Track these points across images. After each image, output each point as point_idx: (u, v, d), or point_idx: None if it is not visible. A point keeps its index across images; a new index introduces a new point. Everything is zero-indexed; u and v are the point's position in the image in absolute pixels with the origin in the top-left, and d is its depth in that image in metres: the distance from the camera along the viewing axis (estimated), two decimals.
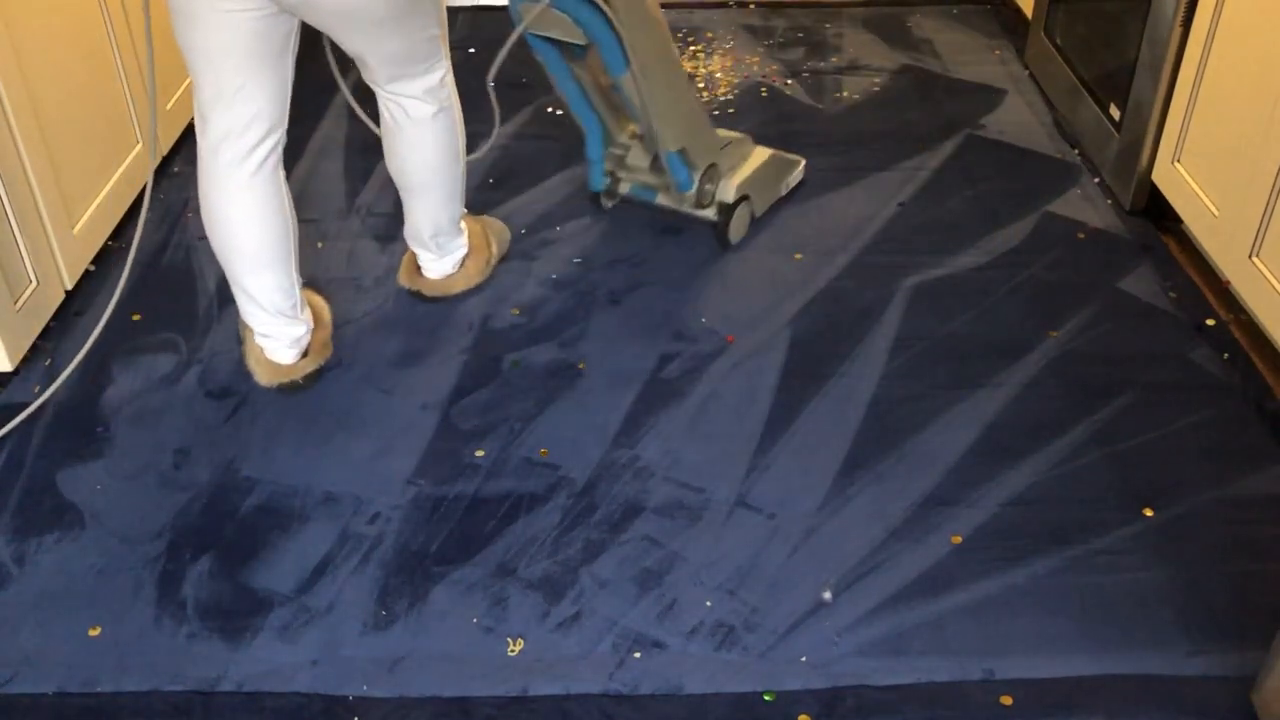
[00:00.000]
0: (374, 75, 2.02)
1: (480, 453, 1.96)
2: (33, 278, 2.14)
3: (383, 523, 1.84)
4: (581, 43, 2.18)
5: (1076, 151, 2.80)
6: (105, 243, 2.45)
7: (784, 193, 2.63)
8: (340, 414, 2.05)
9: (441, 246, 2.28)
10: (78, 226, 2.29)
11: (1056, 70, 2.94)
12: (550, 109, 3.04)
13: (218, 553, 1.79)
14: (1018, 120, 2.95)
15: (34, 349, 2.17)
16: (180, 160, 2.79)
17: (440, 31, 2.05)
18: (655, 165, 2.43)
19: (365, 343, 2.22)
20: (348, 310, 2.31)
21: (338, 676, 1.61)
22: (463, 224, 2.31)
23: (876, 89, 3.12)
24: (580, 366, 2.15)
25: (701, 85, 3.15)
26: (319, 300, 2.24)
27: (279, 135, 1.96)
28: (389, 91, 2.05)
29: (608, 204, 2.59)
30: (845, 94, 3.09)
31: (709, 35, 3.43)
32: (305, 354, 2.11)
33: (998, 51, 3.32)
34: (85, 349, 2.09)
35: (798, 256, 2.45)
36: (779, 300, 2.32)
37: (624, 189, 2.53)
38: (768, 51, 3.33)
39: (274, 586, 1.74)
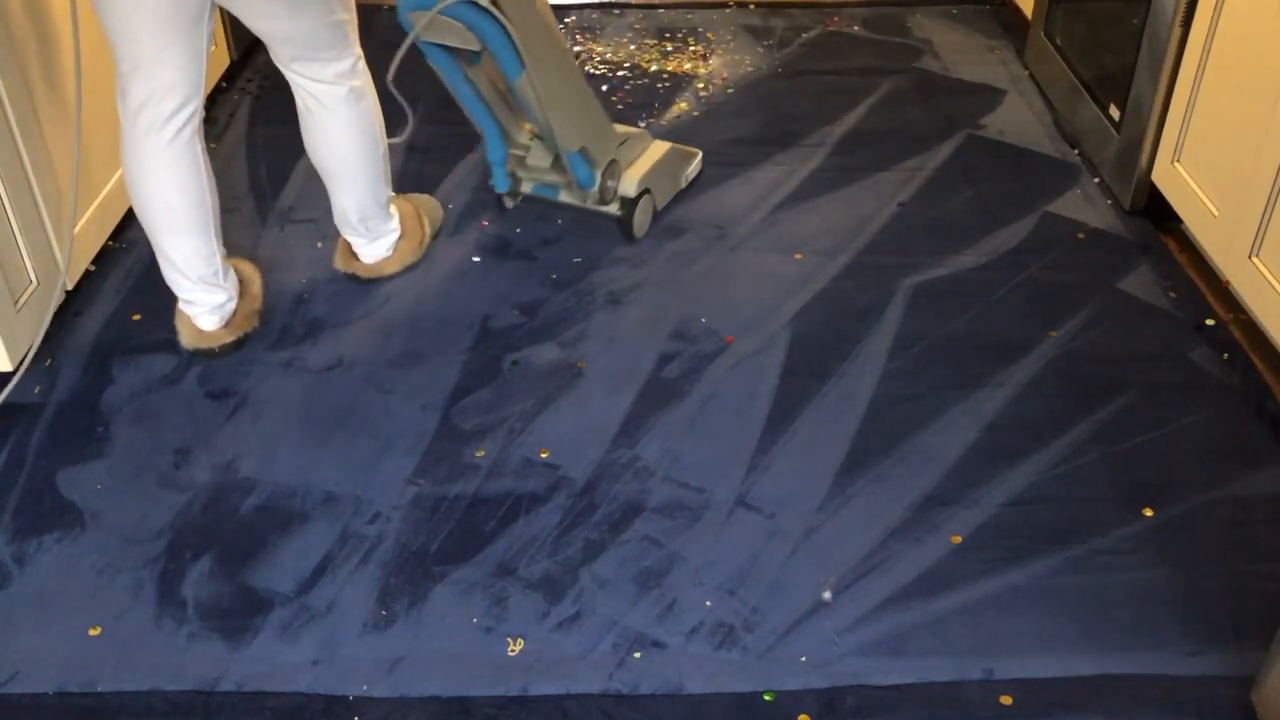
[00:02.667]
0: (278, 56, 2.06)
1: (480, 453, 1.96)
2: (33, 278, 2.14)
3: (383, 523, 1.84)
4: (476, 49, 2.16)
5: (1076, 152, 2.80)
6: (105, 243, 2.45)
7: (684, 185, 2.65)
8: (340, 414, 2.05)
9: (371, 230, 2.32)
10: (78, 226, 2.29)
11: (1056, 70, 2.94)
12: None
13: (218, 553, 1.79)
14: (1018, 120, 2.95)
15: (34, 349, 2.17)
16: None
17: (348, 18, 2.08)
18: (556, 163, 2.43)
19: (365, 343, 2.22)
20: (347, 310, 2.31)
21: (338, 676, 1.61)
22: (393, 207, 2.35)
23: (877, 89, 3.12)
24: (580, 366, 2.15)
25: (701, 85, 3.15)
26: (249, 271, 2.29)
27: (195, 106, 2.01)
28: (296, 74, 2.09)
29: (510, 204, 2.59)
30: (845, 95, 3.09)
31: (709, 35, 3.43)
32: (228, 324, 2.18)
33: (998, 51, 3.32)
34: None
35: (798, 256, 2.45)
36: (779, 300, 2.32)
37: (526, 188, 2.53)
38: (767, 51, 3.33)
39: (274, 586, 1.74)
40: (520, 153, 2.48)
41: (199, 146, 2.04)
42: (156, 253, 2.11)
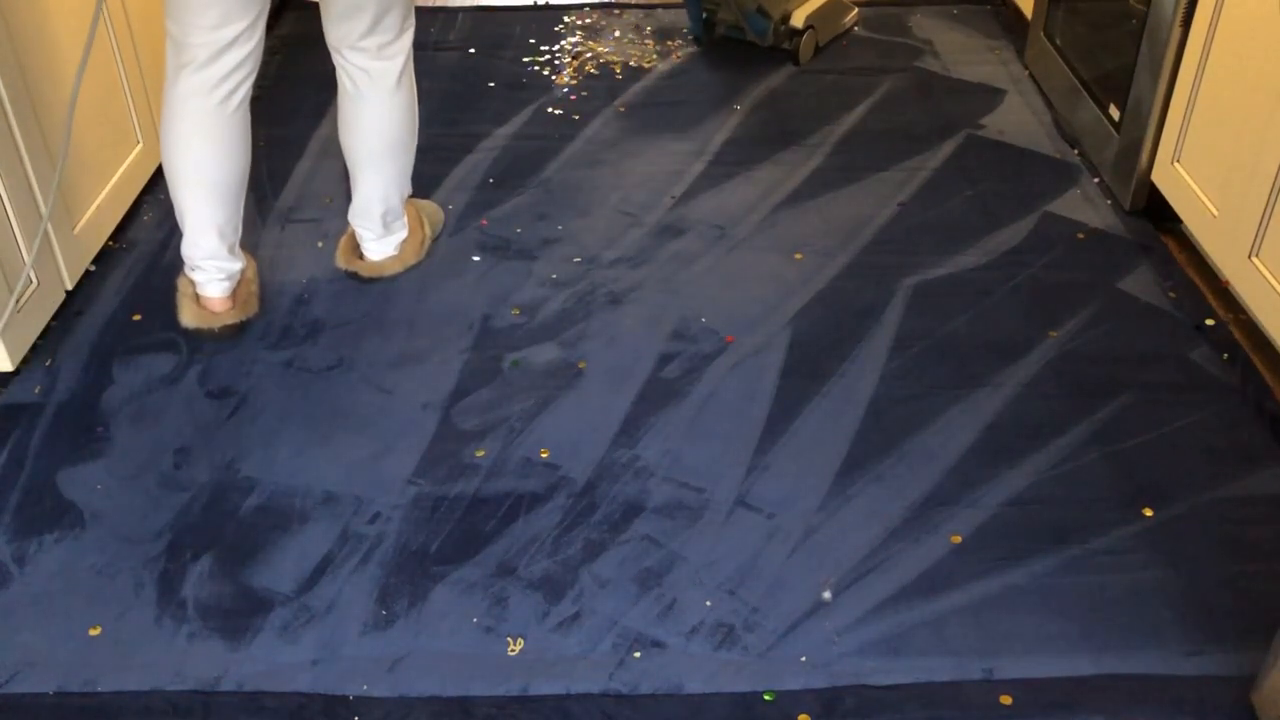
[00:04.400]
0: (355, 26, 2.08)
1: (480, 453, 1.97)
2: (33, 278, 2.14)
3: (383, 523, 1.84)
4: None
5: (1076, 151, 2.80)
6: (105, 243, 2.45)
7: (842, 30, 3.36)
8: (340, 414, 2.05)
9: (389, 226, 2.34)
10: (78, 226, 2.29)
11: (1056, 70, 2.94)
12: (550, 109, 3.04)
13: (218, 553, 1.79)
14: (1018, 120, 2.95)
15: (34, 349, 2.17)
16: None
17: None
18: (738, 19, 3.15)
19: (365, 343, 2.22)
20: (347, 310, 2.31)
21: (338, 676, 1.61)
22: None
23: (877, 89, 3.12)
24: (580, 366, 2.15)
25: (701, 86, 3.15)
26: (246, 256, 2.28)
27: (256, 71, 2.06)
28: (361, 50, 2.11)
29: (705, 41, 3.32)
30: (845, 94, 3.09)
31: None
32: (233, 300, 2.19)
33: (998, 51, 3.32)
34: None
35: (798, 256, 2.45)
36: (779, 300, 2.32)
37: (720, 30, 3.27)
38: (768, 52, 3.33)
39: (274, 586, 1.74)
40: (713, 7, 3.22)
41: (248, 110, 2.09)
42: (193, 218, 2.11)
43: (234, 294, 2.20)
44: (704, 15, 3.26)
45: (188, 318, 2.18)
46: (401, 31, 2.14)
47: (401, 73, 2.17)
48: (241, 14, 1.95)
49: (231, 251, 2.16)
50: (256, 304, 2.26)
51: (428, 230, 2.46)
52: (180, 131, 2.04)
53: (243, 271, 2.22)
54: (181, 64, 1.99)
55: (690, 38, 3.35)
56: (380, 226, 2.33)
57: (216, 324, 2.18)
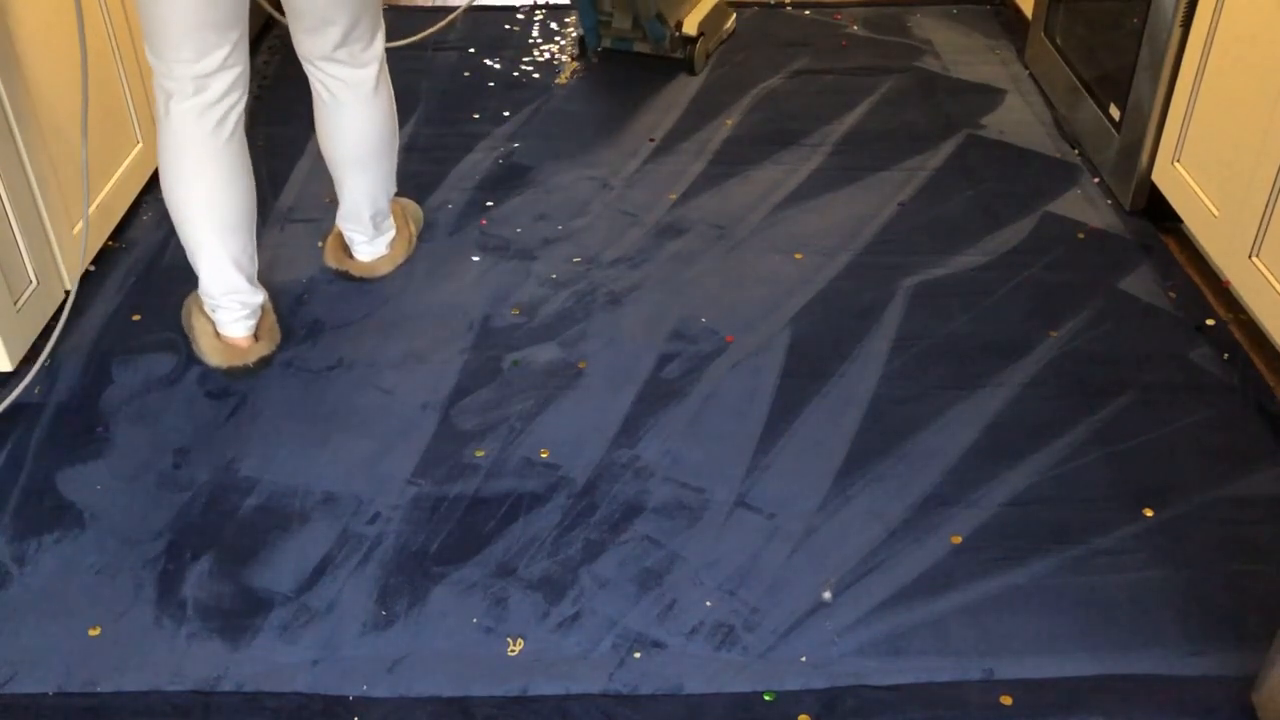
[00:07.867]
0: (328, 38, 2.05)
1: (480, 453, 1.96)
2: (33, 278, 2.14)
3: (383, 523, 1.84)
4: None
5: (1076, 151, 2.80)
6: (105, 243, 2.45)
7: (725, 37, 3.36)
8: (340, 414, 2.05)
9: (378, 226, 2.33)
10: (78, 226, 2.29)
11: (1056, 70, 2.94)
12: (550, 109, 3.04)
13: (218, 553, 1.79)
14: (1018, 120, 2.95)
15: (34, 349, 2.17)
16: None
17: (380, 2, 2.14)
18: (635, 24, 3.17)
19: (365, 343, 2.22)
20: (347, 310, 2.31)
21: (338, 676, 1.61)
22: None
23: (876, 89, 3.12)
24: (580, 366, 2.15)
25: (700, 85, 3.15)
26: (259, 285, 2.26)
27: (246, 95, 2.01)
28: (335, 61, 2.08)
29: (594, 58, 3.30)
30: (845, 94, 3.09)
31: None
32: (256, 336, 2.15)
33: (998, 51, 3.32)
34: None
35: (798, 256, 2.45)
36: (779, 300, 2.32)
37: (606, 43, 3.27)
38: (768, 51, 3.33)
39: (274, 586, 1.74)
40: (605, 17, 3.21)
41: (244, 136, 2.04)
42: (200, 254, 2.04)
43: (257, 329, 2.15)
44: (596, 29, 3.21)
45: (216, 358, 2.11)
46: (374, 38, 2.11)
47: (378, 77, 2.14)
48: (217, 44, 1.88)
49: (251, 283, 2.10)
50: (279, 332, 2.20)
51: (413, 228, 2.46)
52: (179, 167, 1.98)
53: (263, 304, 2.16)
54: (169, 96, 1.93)
55: (576, 52, 3.32)
56: (371, 228, 2.32)
57: (250, 359, 2.12)
